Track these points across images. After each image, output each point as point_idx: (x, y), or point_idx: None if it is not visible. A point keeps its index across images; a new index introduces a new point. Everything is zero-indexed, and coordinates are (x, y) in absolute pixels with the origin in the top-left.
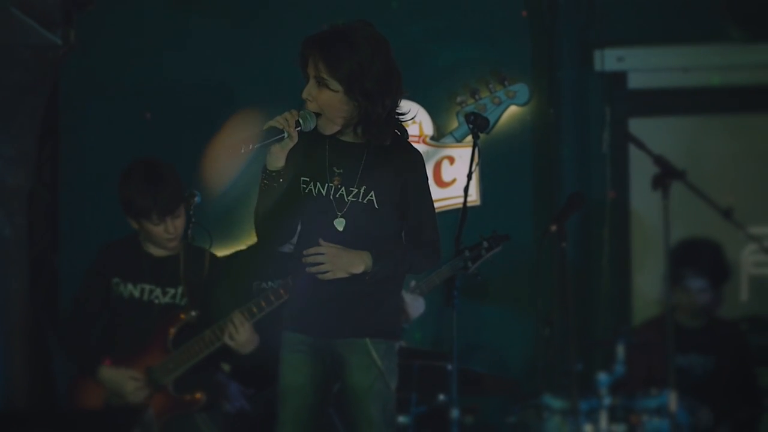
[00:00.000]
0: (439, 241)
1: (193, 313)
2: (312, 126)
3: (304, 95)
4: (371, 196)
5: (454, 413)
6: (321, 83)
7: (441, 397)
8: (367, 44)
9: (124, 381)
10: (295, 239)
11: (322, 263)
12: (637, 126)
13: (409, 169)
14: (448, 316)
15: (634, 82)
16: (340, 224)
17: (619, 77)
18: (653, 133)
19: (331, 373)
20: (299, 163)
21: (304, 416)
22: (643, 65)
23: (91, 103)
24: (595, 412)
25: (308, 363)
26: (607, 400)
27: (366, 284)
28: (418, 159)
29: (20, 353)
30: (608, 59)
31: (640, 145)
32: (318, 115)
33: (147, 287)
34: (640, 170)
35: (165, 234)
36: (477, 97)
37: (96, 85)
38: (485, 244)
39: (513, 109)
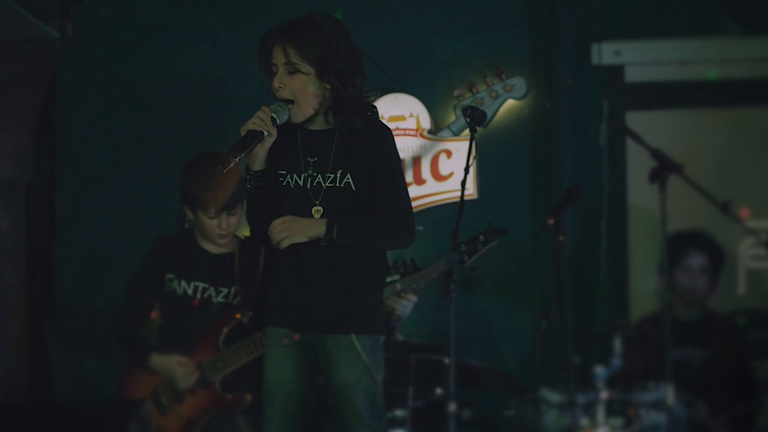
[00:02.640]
0: (410, 219)
1: (249, 314)
2: (285, 117)
3: (275, 84)
4: (348, 178)
5: (451, 407)
6: (291, 70)
7: (438, 390)
8: (330, 26)
9: (174, 367)
10: None
11: (280, 232)
12: (635, 119)
13: (378, 143)
14: (446, 310)
15: (632, 75)
16: (318, 212)
17: (617, 71)
18: (650, 126)
19: (316, 367)
20: (274, 158)
21: (291, 411)
22: (640, 59)
23: (89, 97)
24: (592, 405)
25: (294, 358)
26: (604, 394)
27: (349, 278)
28: (387, 134)
29: (18, 346)
30: (605, 53)
31: (638, 139)
32: (289, 104)
33: (201, 285)
34: (638, 164)
35: (218, 229)
36: (474, 90)
37: (93, 79)
38: (482, 237)
39: (510, 103)
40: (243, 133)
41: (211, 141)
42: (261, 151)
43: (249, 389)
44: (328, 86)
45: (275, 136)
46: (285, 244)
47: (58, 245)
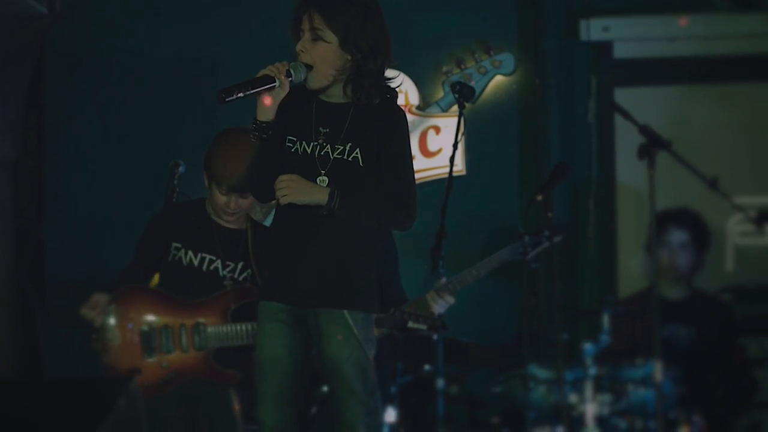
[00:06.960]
0: (412, 202)
1: None
2: (302, 77)
3: (298, 47)
4: (357, 153)
5: (440, 383)
6: (316, 36)
7: (427, 367)
8: (362, 3)
9: (92, 300)
10: None
11: (282, 188)
12: (623, 96)
13: (391, 124)
14: (433, 285)
15: (620, 51)
16: (323, 182)
17: (605, 47)
18: (639, 102)
19: (309, 342)
20: (286, 124)
21: (285, 387)
22: (628, 35)
23: (77, 72)
24: (580, 381)
25: (288, 333)
26: (592, 370)
27: (343, 254)
28: (402, 117)
29: (5, 323)
30: (594, 29)
31: (626, 115)
32: (309, 68)
33: (208, 257)
34: (626, 140)
35: (226, 207)
36: (463, 66)
37: (82, 54)
38: (546, 233)
39: (499, 79)
40: (258, 76)
41: (201, 117)
42: (270, 102)
43: (241, 367)
44: (349, 58)
45: (287, 90)
46: (284, 201)
47: (46, 222)
